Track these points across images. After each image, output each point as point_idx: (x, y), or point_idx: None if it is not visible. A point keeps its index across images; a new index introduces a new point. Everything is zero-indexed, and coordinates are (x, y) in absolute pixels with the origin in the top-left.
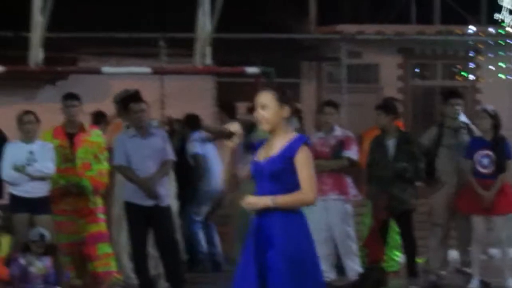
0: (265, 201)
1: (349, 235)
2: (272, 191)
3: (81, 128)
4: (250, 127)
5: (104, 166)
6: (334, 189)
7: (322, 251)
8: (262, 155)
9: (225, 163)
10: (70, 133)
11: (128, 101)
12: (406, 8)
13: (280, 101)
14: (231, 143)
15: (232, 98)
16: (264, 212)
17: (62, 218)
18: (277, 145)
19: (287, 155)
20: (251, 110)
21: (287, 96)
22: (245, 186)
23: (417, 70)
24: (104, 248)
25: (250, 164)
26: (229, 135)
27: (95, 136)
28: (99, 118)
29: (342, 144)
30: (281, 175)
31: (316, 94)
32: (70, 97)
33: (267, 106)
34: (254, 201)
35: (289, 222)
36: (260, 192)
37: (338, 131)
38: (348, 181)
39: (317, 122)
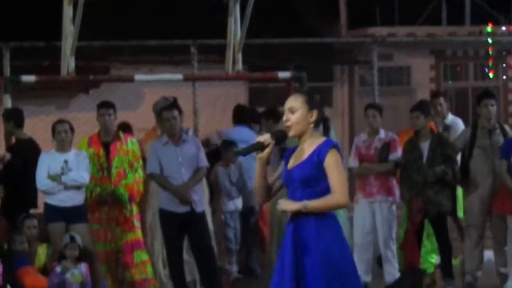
0: (297, 205)
1: (392, 238)
2: (303, 197)
3: (117, 137)
4: (282, 136)
5: (140, 174)
6: (381, 191)
7: (363, 254)
8: (292, 162)
9: (256, 175)
10: (105, 142)
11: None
12: (437, 9)
13: (309, 105)
14: (262, 155)
15: (264, 103)
16: (298, 217)
17: (98, 227)
18: (306, 151)
19: (316, 160)
20: (266, 114)
21: (317, 101)
22: (280, 194)
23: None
24: (141, 256)
25: (282, 172)
26: (261, 147)
27: (130, 144)
28: (124, 130)
29: (387, 147)
30: (311, 181)
31: (349, 98)
32: (105, 106)
33: (296, 110)
34: (286, 205)
35: (322, 227)
36: (292, 199)
37: (383, 134)
38: (394, 182)
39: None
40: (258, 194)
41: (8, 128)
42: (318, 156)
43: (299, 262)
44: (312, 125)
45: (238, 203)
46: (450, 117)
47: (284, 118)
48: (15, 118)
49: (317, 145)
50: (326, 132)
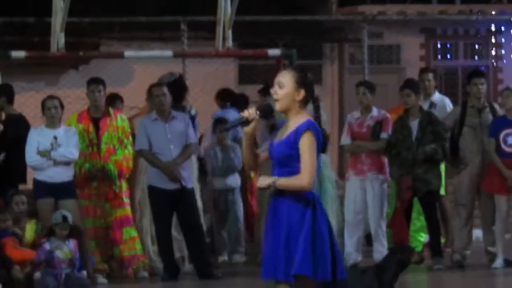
0: (267, 181)
1: (383, 217)
2: (279, 175)
3: (106, 113)
4: (267, 109)
5: (129, 151)
6: (372, 169)
7: (354, 232)
8: (277, 137)
9: (243, 148)
10: (95, 118)
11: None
12: None
13: (297, 83)
14: (248, 129)
15: (254, 80)
16: (278, 194)
17: (87, 203)
18: (289, 129)
19: (293, 140)
20: (261, 92)
21: (307, 80)
22: (267, 168)
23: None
24: (130, 232)
25: (269, 145)
26: (246, 121)
27: (120, 120)
28: (114, 101)
29: (380, 125)
30: (287, 160)
31: (338, 76)
32: (95, 82)
33: (283, 85)
34: (260, 181)
35: (300, 205)
36: (274, 174)
37: (375, 112)
38: (385, 160)
39: None
40: (246, 164)
41: None
42: (295, 136)
43: (289, 234)
44: (298, 103)
45: (229, 181)
46: (437, 95)
47: (272, 91)
48: (6, 94)
49: (298, 125)
50: (316, 111)
